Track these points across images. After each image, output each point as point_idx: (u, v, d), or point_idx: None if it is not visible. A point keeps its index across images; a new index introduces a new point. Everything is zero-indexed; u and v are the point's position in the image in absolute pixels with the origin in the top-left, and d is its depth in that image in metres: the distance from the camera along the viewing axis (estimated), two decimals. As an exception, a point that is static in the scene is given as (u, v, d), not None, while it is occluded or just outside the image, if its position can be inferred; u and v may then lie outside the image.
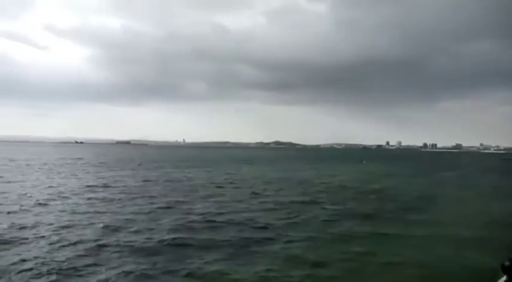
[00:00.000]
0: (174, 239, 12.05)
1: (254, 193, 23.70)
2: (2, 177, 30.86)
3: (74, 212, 16.22)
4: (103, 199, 20.00)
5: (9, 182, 27.64)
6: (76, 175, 34.63)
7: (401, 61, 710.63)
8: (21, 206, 17.45)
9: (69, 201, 19.31)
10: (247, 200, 20.94)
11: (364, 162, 79.44)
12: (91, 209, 17.06)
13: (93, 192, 22.87)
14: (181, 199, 20.56)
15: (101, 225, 13.80)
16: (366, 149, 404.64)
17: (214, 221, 14.87)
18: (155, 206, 18.28)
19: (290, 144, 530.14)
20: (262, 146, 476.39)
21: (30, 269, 9.01)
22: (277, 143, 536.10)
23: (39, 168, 42.33)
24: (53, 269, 9.08)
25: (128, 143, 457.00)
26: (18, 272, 8.79)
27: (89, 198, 20.16)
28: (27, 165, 47.92)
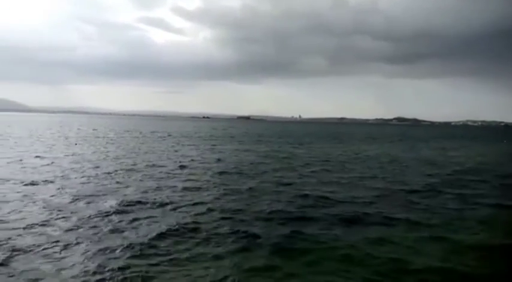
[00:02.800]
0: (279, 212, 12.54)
1: (374, 175, 22.85)
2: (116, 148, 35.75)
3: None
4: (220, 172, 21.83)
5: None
6: (198, 146, 38.13)
7: None
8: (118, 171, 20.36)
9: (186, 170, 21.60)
10: (366, 179, 20.29)
11: (505, 141, 69.00)
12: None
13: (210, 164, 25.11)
14: (292, 178, 21.03)
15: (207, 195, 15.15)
16: (508, 127, 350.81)
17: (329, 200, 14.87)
18: (265, 181, 19.15)
19: (415, 120, 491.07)
20: (382, 123, 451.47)
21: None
22: (399, 119, 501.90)
23: (162, 140, 48.01)
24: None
25: (247, 118, 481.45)
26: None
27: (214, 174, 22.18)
28: (159, 137, 54.92)
